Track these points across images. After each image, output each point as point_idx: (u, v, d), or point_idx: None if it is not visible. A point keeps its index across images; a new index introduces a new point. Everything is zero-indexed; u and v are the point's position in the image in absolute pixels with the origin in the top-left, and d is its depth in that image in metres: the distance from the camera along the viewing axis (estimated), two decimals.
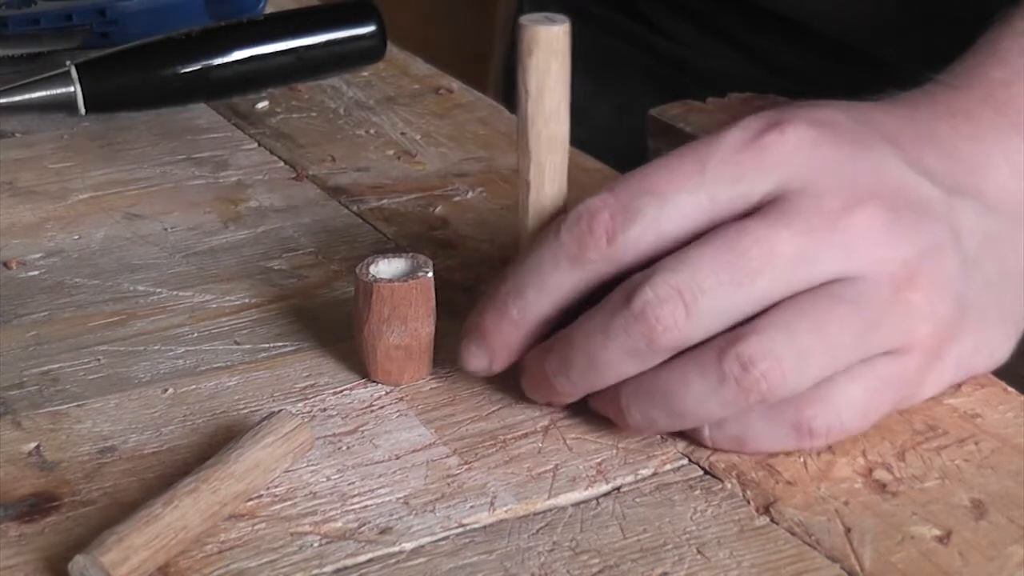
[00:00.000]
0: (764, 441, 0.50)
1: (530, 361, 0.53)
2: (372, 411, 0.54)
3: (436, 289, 0.55)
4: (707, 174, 0.49)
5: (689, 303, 0.48)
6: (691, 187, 0.49)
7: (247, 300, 0.62)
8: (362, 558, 0.47)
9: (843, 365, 0.49)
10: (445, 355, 0.57)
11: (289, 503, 0.49)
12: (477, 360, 0.53)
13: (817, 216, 0.49)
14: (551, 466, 0.51)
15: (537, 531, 0.48)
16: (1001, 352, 0.54)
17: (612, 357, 0.49)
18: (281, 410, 0.51)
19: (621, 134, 0.82)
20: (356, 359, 0.56)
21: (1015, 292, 0.54)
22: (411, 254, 0.56)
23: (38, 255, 0.66)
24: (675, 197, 0.49)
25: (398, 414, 0.54)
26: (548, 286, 0.51)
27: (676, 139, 0.75)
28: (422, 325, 0.54)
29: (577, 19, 1.07)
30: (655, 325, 0.48)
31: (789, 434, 0.50)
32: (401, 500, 0.49)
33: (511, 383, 0.56)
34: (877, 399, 0.51)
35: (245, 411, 0.54)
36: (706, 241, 0.49)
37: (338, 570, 0.46)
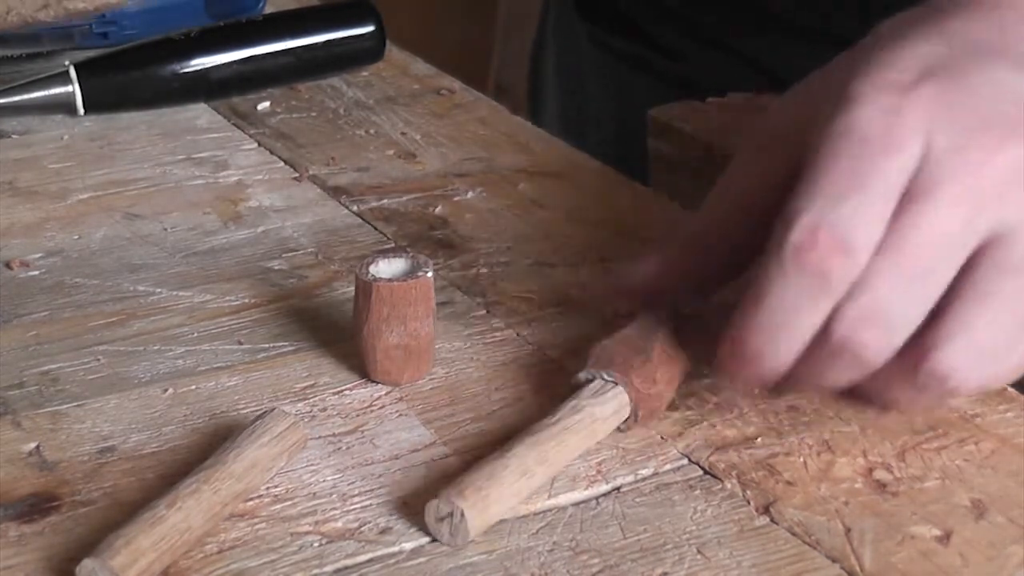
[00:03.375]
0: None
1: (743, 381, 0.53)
2: (372, 411, 0.54)
3: (436, 289, 0.55)
4: (874, 163, 0.49)
5: (883, 322, 0.48)
6: (869, 180, 0.49)
7: (247, 300, 0.62)
8: (362, 558, 0.47)
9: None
10: (445, 355, 0.57)
11: (289, 503, 0.49)
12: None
13: (963, 177, 0.49)
14: None
15: (537, 531, 0.48)
16: None
17: (829, 380, 0.50)
18: (274, 408, 0.51)
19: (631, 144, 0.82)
20: (356, 359, 0.56)
21: None
22: (411, 254, 0.56)
23: (38, 255, 0.66)
24: (862, 194, 0.49)
25: (398, 414, 0.54)
26: (800, 329, 0.49)
27: (676, 139, 0.74)
28: (421, 325, 0.54)
29: (592, 47, 1.06)
30: (860, 352, 0.49)
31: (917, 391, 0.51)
32: (401, 500, 0.49)
33: (511, 383, 0.56)
34: None
35: (245, 411, 0.54)
36: (876, 255, 0.48)
37: (338, 570, 0.46)
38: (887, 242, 0.49)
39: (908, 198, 0.49)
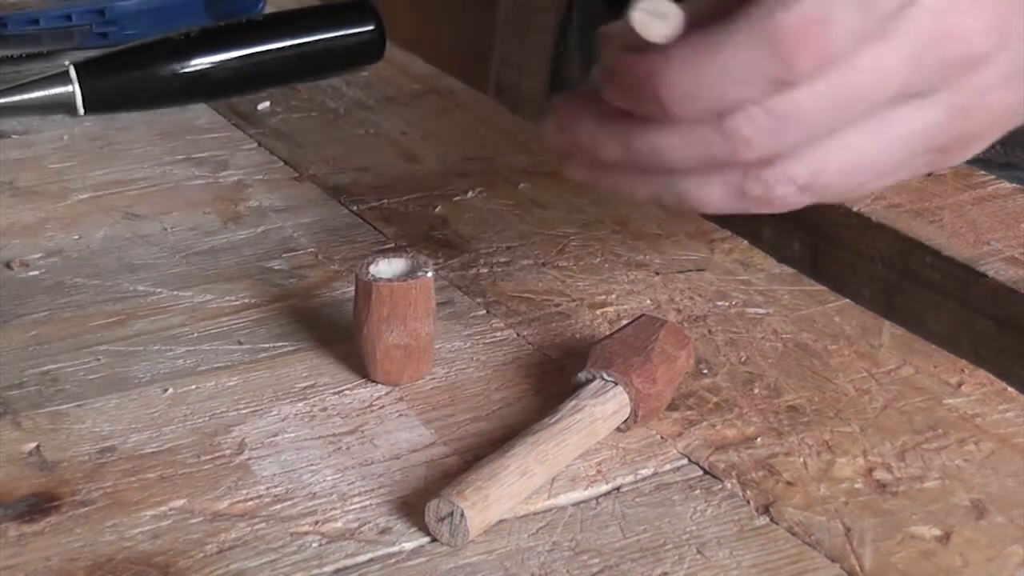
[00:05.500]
0: (717, 203, 0.50)
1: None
2: (372, 411, 0.54)
3: (436, 289, 0.55)
4: None
5: (781, 151, 0.47)
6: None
7: (247, 300, 0.62)
8: (362, 558, 0.47)
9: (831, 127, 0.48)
10: (445, 355, 0.57)
11: (289, 503, 0.49)
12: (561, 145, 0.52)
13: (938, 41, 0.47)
14: None
15: (537, 531, 0.48)
16: None
17: (678, 161, 0.48)
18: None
19: None
20: (356, 359, 0.56)
21: None
22: (411, 254, 0.56)
23: (38, 255, 0.66)
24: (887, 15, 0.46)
25: (398, 414, 0.54)
26: (728, 93, 0.47)
27: None
28: (421, 325, 0.54)
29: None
30: (738, 140, 0.47)
31: (737, 197, 0.49)
32: (401, 500, 0.49)
33: (511, 383, 0.56)
34: (885, 152, 0.49)
35: (245, 411, 0.54)
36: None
37: (338, 570, 0.46)
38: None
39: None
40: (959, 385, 0.55)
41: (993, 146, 0.80)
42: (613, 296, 0.62)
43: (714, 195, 0.49)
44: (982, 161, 0.72)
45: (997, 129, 0.51)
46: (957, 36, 0.47)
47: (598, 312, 0.61)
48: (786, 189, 0.48)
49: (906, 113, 0.48)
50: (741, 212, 0.50)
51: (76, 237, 0.68)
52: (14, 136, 0.79)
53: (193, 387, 0.56)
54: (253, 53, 0.83)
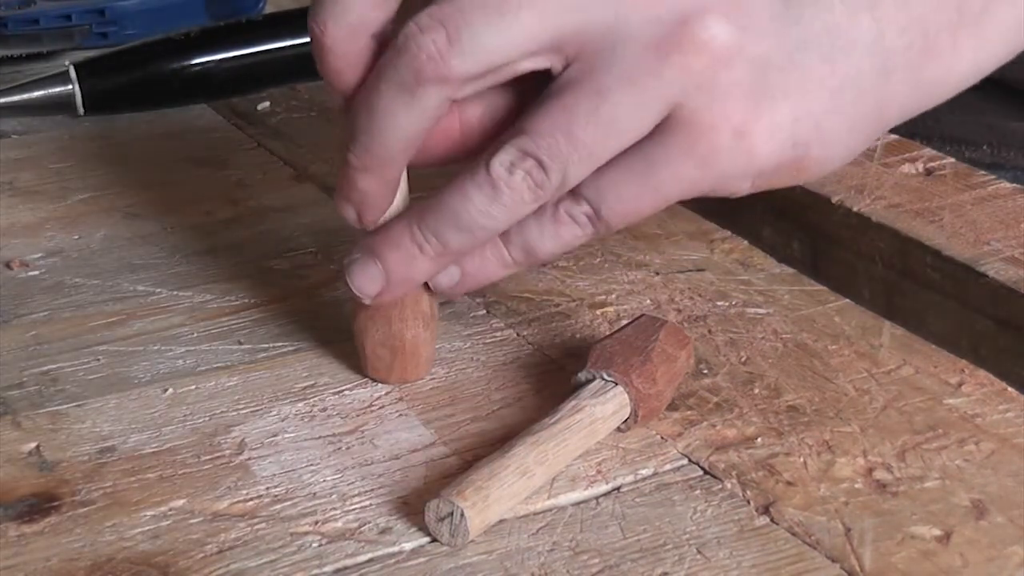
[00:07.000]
0: (547, 244, 0.51)
1: (339, 174, 0.52)
2: (372, 411, 0.54)
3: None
4: None
5: (452, 33, 0.46)
6: None
7: (247, 300, 0.62)
8: (362, 558, 0.47)
9: (606, 156, 0.48)
10: (445, 355, 0.57)
11: (289, 503, 0.49)
12: (348, 215, 0.53)
13: None
14: None
15: (537, 531, 0.48)
16: (831, 125, 0.50)
17: (384, 100, 0.48)
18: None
19: None
20: (356, 359, 0.56)
21: (852, 58, 0.49)
22: None
23: (38, 255, 0.66)
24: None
25: (398, 414, 0.54)
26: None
27: None
28: (406, 328, 0.54)
29: None
30: (417, 54, 0.47)
31: (557, 232, 0.50)
32: (401, 500, 0.49)
33: (511, 383, 0.56)
34: (652, 185, 0.49)
35: (245, 411, 0.54)
36: None
37: (338, 570, 0.46)
38: None
39: None
40: (959, 385, 0.55)
41: (981, 146, 0.80)
42: (613, 296, 0.62)
43: (534, 236, 0.51)
44: (970, 161, 0.72)
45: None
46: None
47: (598, 312, 0.61)
48: (526, 163, 0.48)
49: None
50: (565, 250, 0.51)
51: (76, 237, 0.68)
52: (14, 136, 0.79)
53: (193, 387, 0.56)
54: (253, 53, 0.83)
